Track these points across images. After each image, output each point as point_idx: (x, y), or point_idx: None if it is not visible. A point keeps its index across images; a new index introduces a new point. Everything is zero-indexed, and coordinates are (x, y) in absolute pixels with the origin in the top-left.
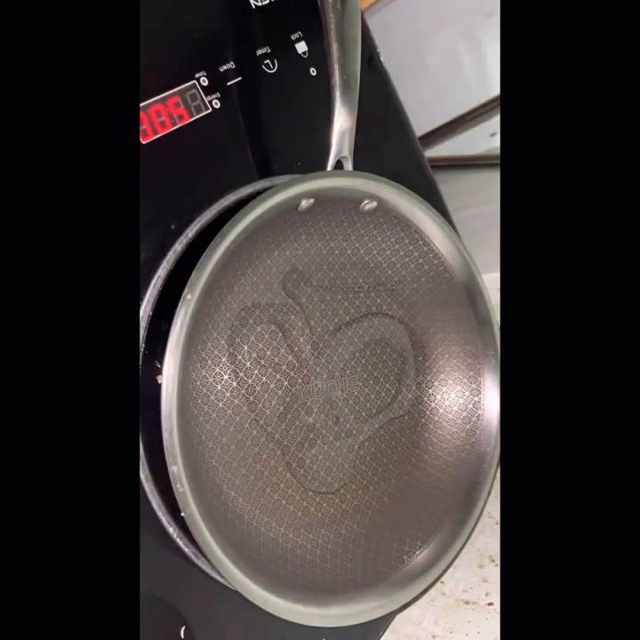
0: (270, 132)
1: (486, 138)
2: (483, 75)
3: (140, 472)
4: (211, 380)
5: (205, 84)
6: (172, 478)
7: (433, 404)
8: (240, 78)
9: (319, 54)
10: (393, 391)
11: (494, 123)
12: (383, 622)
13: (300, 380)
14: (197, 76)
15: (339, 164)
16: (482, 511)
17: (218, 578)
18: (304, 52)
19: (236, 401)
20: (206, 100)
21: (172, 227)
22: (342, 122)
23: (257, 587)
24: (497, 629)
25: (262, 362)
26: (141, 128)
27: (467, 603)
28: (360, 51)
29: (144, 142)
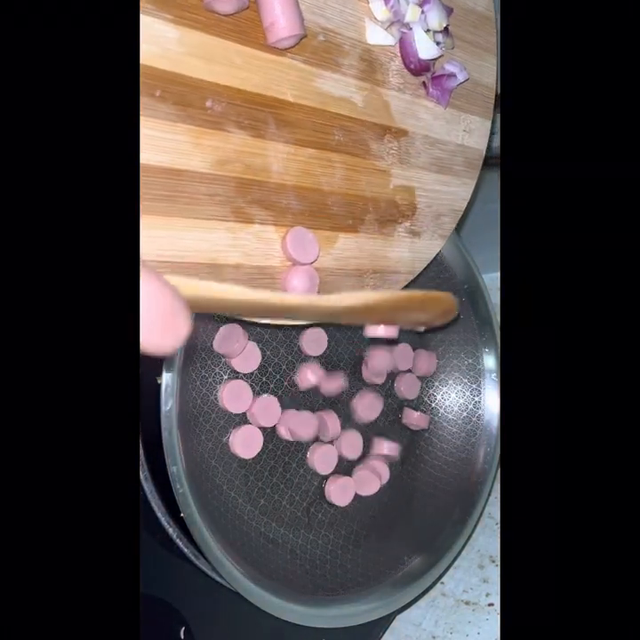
0: None
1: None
2: None
3: (140, 472)
4: (210, 379)
5: None
6: (171, 479)
7: (433, 405)
8: None
9: None
10: (393, 391)
11: (494, 122)
12: (383, 623)
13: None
14: None
15: None
16: (482, 511)
17: (217, 578)
18: None
19: None
20: None
21: None
22: None
23: (257, 587)
24: (497, 629)
25: (261, 362)
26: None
27: (467, 603)
28: None
29: None
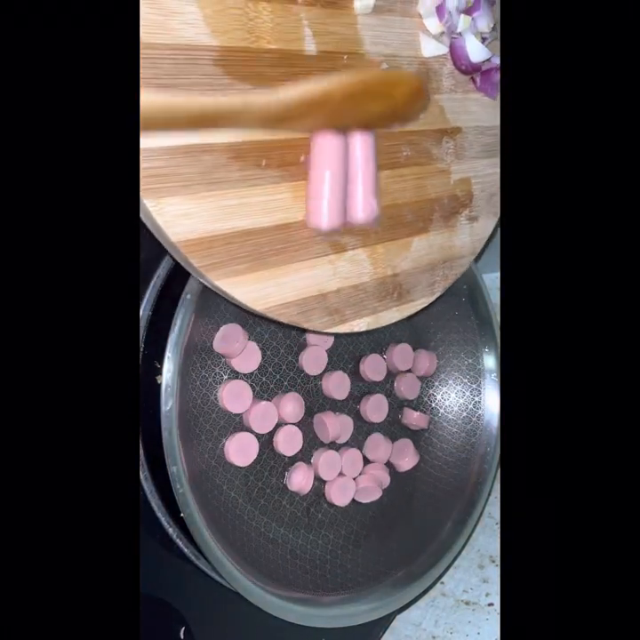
0: None
1: None
2: None
3: (140, 472)
4: (210, 380)
5: None
6: (171, 479)
7: (433, 405)
8: None
9: None
10: (393, 391)
11: None
12: (383, 622)
13: (299, 380)
14: None
15: None
16: (482, 511)
17: (218, 578)
18: None
19: None
20: None
21: None
22: None
23: (257, 587)
24: (497, 629)
25: (261, 362)
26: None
27: (467, 603)
28: None
29: None
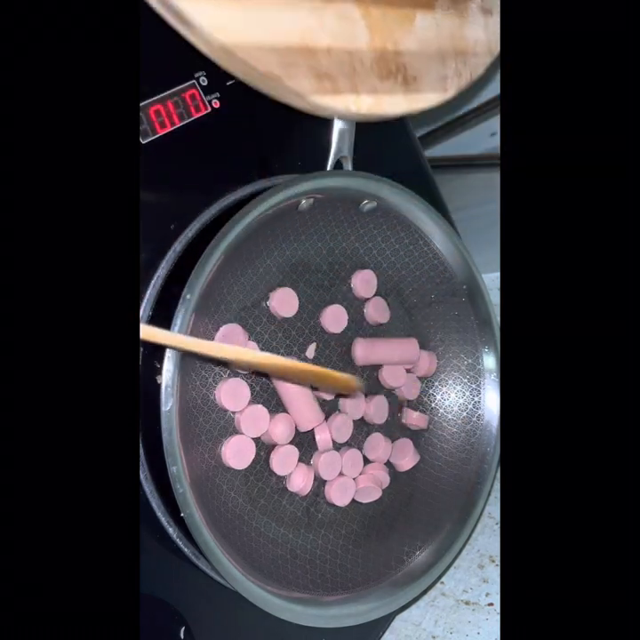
0: (269, 132)
1: (486, 138)
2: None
3: (140, 472)
4: (210, 379)
5: (205, 83)
6: (171, 479)
7: (433, 405)
8: None
9: None
10: (393, 391)
11: (494, 123)
12: (383, 622)
13: None
14: (197, 75)
15: (338, 164)
16: (482, 511)
17: (217, 578)
18: None
19: None
20: (206, 99)
21: (172, 226)
22: (342, 121)
23: (257, 587)
24: (497, 629)
25: None
26: (141, 128)
27: (467, 603)
28: None
29: (144, 142)
